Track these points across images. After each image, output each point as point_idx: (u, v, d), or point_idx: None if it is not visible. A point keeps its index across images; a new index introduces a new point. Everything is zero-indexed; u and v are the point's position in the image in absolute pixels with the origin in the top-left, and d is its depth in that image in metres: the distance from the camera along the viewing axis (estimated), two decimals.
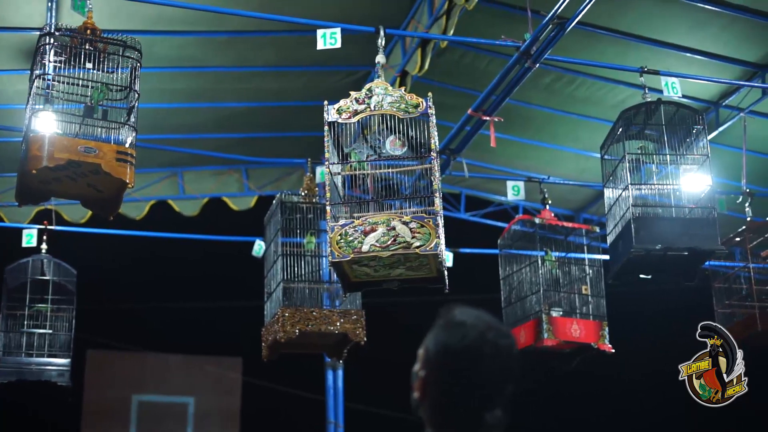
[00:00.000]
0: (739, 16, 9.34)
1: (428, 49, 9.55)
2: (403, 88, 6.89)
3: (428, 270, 6.69)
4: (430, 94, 6.68)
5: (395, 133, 6.71)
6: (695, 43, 9.92)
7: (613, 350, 9.65)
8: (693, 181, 8.05)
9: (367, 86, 6.72)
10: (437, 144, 6.78)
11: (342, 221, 6.45)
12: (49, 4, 8.70)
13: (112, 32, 7.09)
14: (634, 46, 9.95)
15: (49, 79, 6.81)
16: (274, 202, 9.01)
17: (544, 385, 14.56)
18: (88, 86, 6.87)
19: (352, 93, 6.71)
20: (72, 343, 10.64)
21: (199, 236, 12.79)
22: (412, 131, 6.69)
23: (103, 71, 6.93)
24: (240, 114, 12.15)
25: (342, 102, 6.67)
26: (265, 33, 10.26)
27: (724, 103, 10.71)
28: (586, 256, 10.06)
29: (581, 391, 15.75)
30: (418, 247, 6.30)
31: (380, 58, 7.14)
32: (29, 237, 10.90)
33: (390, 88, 6.69)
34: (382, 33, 7.31)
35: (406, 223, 6.34)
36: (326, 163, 6.65)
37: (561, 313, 9.69)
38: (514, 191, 11.49)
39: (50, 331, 10.57)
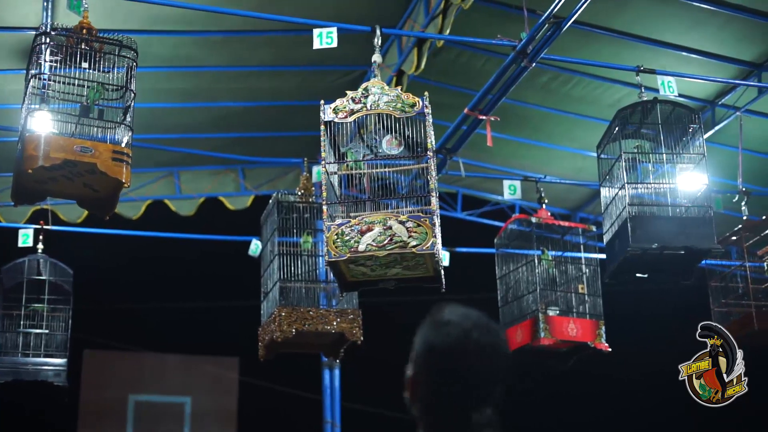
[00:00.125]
0: (736, 15, 9.35)
1: (424, 49, 9.55)
2: (399, 88, 6.90)
3: (425, 269, 6.69)
4: (426, 93, 6.68)
5: (392, 132, 6.71)
6: (691, 42, 9.93)
7: (610, 349, 9.66)
8: (689, 180, 8.05)
9: (364, 85, 6.73)
10: (434, 143, 6.77)
11: (338, 221, 6.45)
12: (45, 4, 8.70)
13: (108, 32, 7.08)
14: (630, 45, 9.95)
15: (45, 79, 6.80)
16: (270, 201, 9.01)
17: (542, 385, 14.57)
18: (84, 86, 6.87)
19: (348, 92, 6.71)
20: (68, 343, 10.62)
21: (195, 236, 12.79)
22: (408, 130, 6.69)
23: (99, 71, 6.92)
24: (236, 113, 12.14)
25: (338, 101, 6.67)
26: (262, 32, 10.26)
27: (720, 102, 10.72)
28: (583, 255, 10.07)
29: (579, 390, 15.74)
30: (414, 247, 6.30)
31: (376, 58, 7.13)
32: (25, 237, 10.89)
33: (386, 87, 6.69)
34: (378, 32, 7.32)
35: (402, 223, 6.34)
36: (323, 162, 6.66)
37: (558, 312, 9.69)
38: (510, 190, 11.48)
39: (47, 331, 10.56)
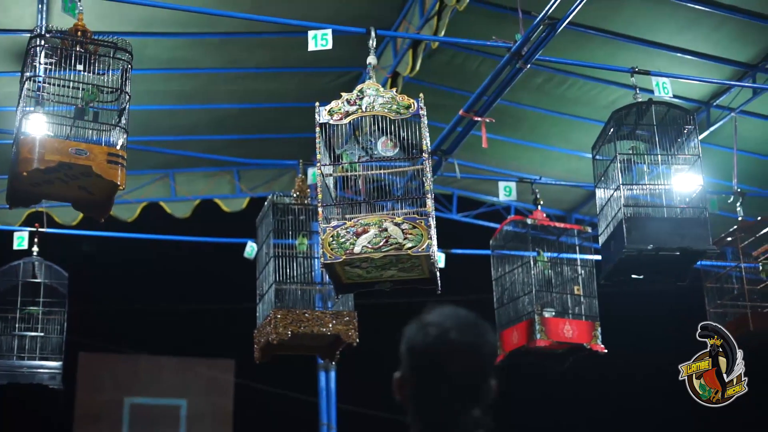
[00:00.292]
0: (730, 16, 9.36)
1: (419, 50, 9.55)
2: (394, 89, 6.89)
3: (420, 271, 6.69)
4: (421, 95, 6.68)
5: (387, 134, 6.71)
6: (686, 43, 9.94)
7: (606, 350, 9.66)
8: (684, 181, 8.05)
9: (359, 87, 6.73)
10: (429, 145, 6.78)
11: (334, 223, 6.45)
12: (40, 6, 8.69)
13: (103, 34, 7.07)
14: (625, 47, 9.96)
15: (39, 81, 6.79)
16: (265, 203, 9.00)
17: (538, 386, 14.58)
18: (78, 88, 6.85)
19: (343, 94, 6.71)
20: (64, 345, 10.60)
21: (190, 238, 12.79)
22: (403, 132, 6.69)
23: (93, 73, 6.91)
24: (231, 115, 12.14)
25: (333, 103, 6.67)
26: (257, 34, 10.26)
27: (715, 103, 10.73)
28: (578, 256, 10.07)
29: (575, 392, 15.75)
30: (410, 248, 6.30)
31: (371, 60, 7.13)
32: (20, 239, 10.88)
33: (381, 89, 6.69)
34: (373, 34, 7.32)
35: (398, 225, 6.34)
36: (318, 164, 6.65)
37: (553, 313, 9.69)
38: (505, 192, 11.48)
39: (42, 334, 10.53)
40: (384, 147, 6.72)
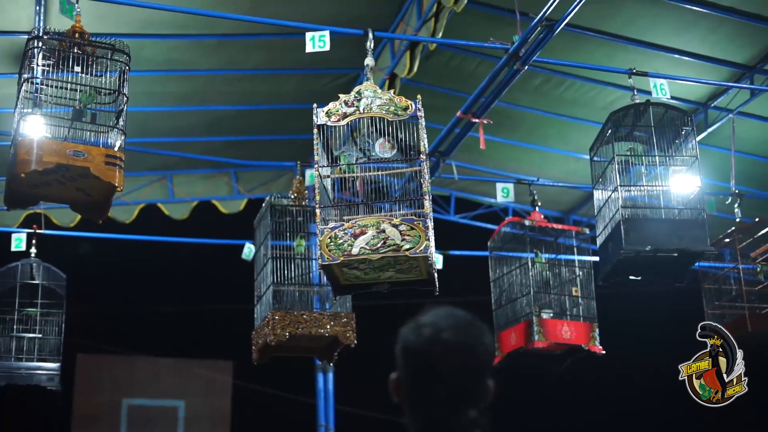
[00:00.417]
0: (728, 17, 9.36)
1: (417, 52, 9.55)
2: (392, 91, 6.88)
3: (418, 272, 6.69)
4: (419, 96, 6.68)
5: (384, 135, 6.71)
6: (684, 44, 9.94)
7: (604, 352, 9.67)
8: (682, 183, 8.06)
9: (356, 89, 6.73)
10: (426, 146, 6.78)
11: (332, 224, 6.45)
12: (37, 8, 8.69)
13: (101, 36, 7.07)
14: (622, 48, 9.96)
15: (37, 83, 6.80)
16: (263, 205, 9.01)
17: (536, 388, 14.58)
18: (76, 90, 6.86)
19: (341, 96, 6.71)
20: (62, 347, 10.60)
21: (188, 239, 12.79)
22: (401, 134, 6.69)
23: (91, 75, 6.91)
24: (229, 117, 12.14)
25: (331, 105, 6.67)
26: (255, 36, 10.26)
27: (712, 105, 10.73)
28: (576, 257, 10.08)
29: (573, 393, 15.75)
30: (407, 250, 6.30)
31: (369, 61, 7.13)
32: (18, 241, 10.87)
33: (379, 90, 6.69)
34: (370, 36, 7.32)
35: (395, 226, 6.34)
36: (316, 165, 6.65)
37: (551, 315, 9.70)
38: (503, 193, 11.49)
39: (40, 335, 10.53)
40: (382, 148, 6.72)
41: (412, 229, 6.33)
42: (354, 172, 6.73)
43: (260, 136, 12.76)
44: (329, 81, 11.30)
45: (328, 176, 6.78)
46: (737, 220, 9.89)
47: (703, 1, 9.23)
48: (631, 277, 8.23)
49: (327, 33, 7.40)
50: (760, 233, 9.86)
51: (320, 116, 6.65)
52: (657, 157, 8.09)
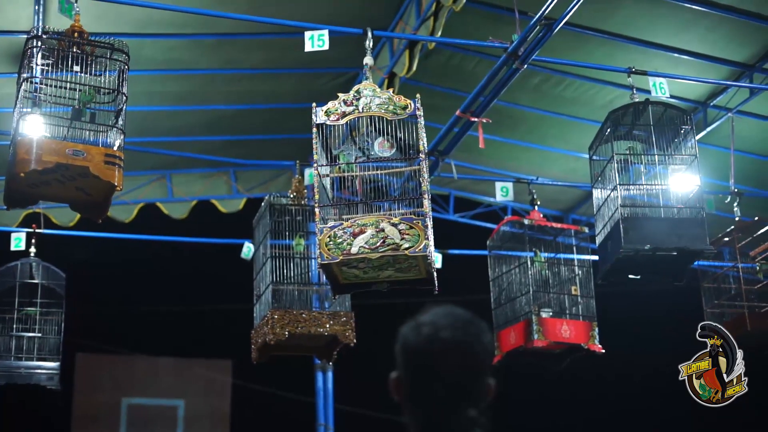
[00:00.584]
0: (726, 16, 9.36)
1: (416, 51, 9.55)
2: (391, 90, 6.89)
3: (417, 271, 6.69)
4: (418, 95, 6.68)
5: (383, 134, 6.71)
6: (683, 43, 9.94)
7: (603, 351, 9.67)
8: (681, 182, 8.06)
9: (355, 88, 6.73)
10: (425, 145, 6.78)
11: (331, 223, 6.45)
12: (36, 8, 8.69)
13: (100, 35, 7.07)
14: (621, 47, 9.96)
15: (36, 83, 6.79)
16: (262, 204, 9.01)
17: (535, 387, 14.58)
18: (75, 89, 6.85)
19: (340, 95, 6.71)
20: (61, 346, 10.60)
21: (187, 239, 12.78)
22: (400, 133, 6.69)
23: (90, 74, 6.91)
24: (228, 116, 12.14)
25: (330, 104, 6.67)
26: (254, 35, 10.26)
27: (712, 104, 10.73)
28: (576, 256, 10.08)
29: (573, 392, 15.75)
30: (407, 249, 6.30)
31: (368, 60, 7.13)
32: (18, 240, 10.87)
33: (378, 89, 6.70)
34: (369, 35, 7.32)
35: (395, 225, 6.34)
36: (315, 165, 6.66)
37: (551, 314, 9.70)
38: (502, 192, 11.49)
39: (39, 335, 10.53)
40: (381, 148, 6.72)
41: (411, 228, 6.33)
42: (353, 171, 6.74)
43: (259, 136, 12.76)
44: (328, 80, 11.31)
45: (327, 175, 6.78)
46: (736, 218, 9.89)
47: (702, 0, 9.23)
48: (630, 276, 8.23)
49: (326, 32, 7.40)
50: (759, 232, 9.86)
51: (319, 115, 6.66)
52: (656, 156, 8.08)
